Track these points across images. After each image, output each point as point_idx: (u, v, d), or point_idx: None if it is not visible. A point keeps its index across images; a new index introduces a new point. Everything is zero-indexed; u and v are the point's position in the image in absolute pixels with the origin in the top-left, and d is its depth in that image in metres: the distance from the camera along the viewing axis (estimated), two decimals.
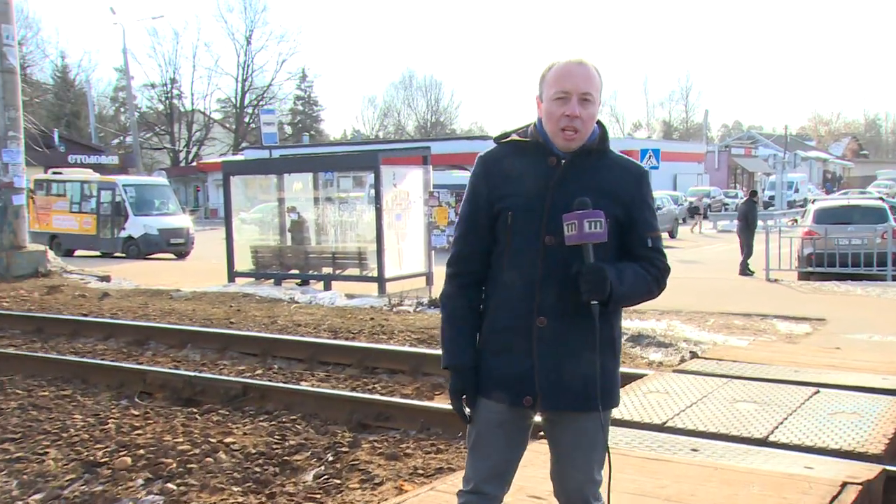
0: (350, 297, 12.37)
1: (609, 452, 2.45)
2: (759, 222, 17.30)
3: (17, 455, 5.37)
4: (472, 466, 2.52)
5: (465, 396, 2.49)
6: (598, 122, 2.48)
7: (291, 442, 5.42)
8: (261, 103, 60.61)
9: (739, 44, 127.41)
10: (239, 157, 43.16)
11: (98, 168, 32.48)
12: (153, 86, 61.52)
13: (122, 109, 61.00)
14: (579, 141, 2.40)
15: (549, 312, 2.37)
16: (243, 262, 15.37)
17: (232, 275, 15.07)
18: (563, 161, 2.41)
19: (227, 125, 65.01)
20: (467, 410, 2.51)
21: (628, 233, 2.46)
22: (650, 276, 2.45)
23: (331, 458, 5.07)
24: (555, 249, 2.36)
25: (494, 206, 2.44)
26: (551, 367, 2.38)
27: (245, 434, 5.63)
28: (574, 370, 2.38)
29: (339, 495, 4.50)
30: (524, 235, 2.40)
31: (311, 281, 14.81)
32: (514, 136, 2.51)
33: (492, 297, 2.49)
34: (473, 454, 2.52)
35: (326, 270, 14.77)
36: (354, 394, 6.45)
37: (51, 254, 17.25)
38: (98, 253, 24.17)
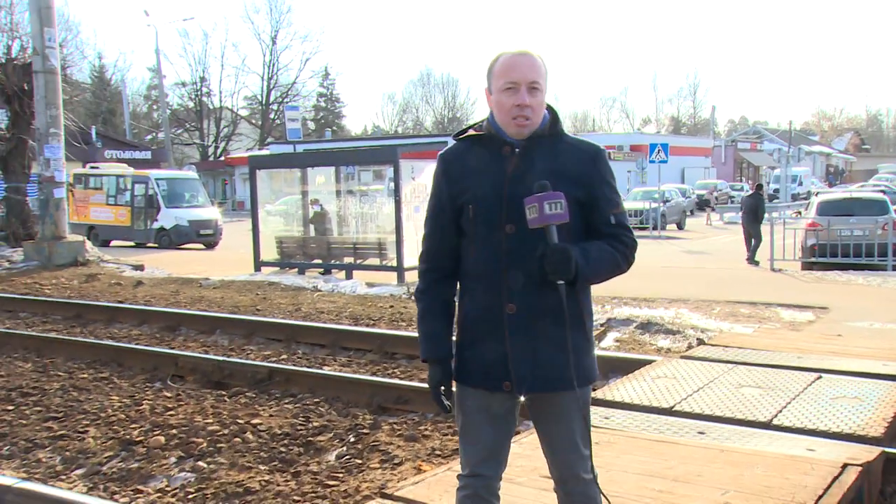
0: (370, 285, 12.38)
1: (589, 427, 2.45)
2: (765, 215, 17.24)
3: (59, 433, 5.44)
4: (464, 452, 2.51)
5: (443, 388, 2.48)
6: (549, 108, 2.43)
7: (315, 423, 5.43)
8: (285, 100, 60.70)
9: (746, 42, 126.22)
10: (265, 152, 43.31)
11: (132, 163, 32.66)
12: (184, 84, 61.86)
13: (154, 107, 61.40)
14: (531, 128, 2.37)
15: (517, 299, 2.34)
16: (269, 252, 15.40)
17: (258, 264, 15.11)
18: (517, 150, 2.38)
19: (254, 121, 65.20)
20: (447, 402, 2.51)
21: (591, 212, 2.40)
22: (617, 251, 2.40)
23: (352, 439, 5.09)
24: (517, 237, 2.32)
25: (456, 200, 2.42)
26: (524, 351, 2.35)
27: (271, 416, 5.65)
28: (547, 352, 2.35)
29: (360, 474, 4.51)
30: (486, 226, 2.37)
31: (333, 270, 14.84)
32: (471, 132, 2.47)
33: (464, 288, 2.48)
34: (464, 440, 2.51)
35: (348, 260, 14.80)
36: (375, 378, 6.45)
37: (89, 244, 17.36)
38: (132, 243, 24.36)
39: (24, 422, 5.71)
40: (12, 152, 18.56)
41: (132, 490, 4.47)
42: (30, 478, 4.53)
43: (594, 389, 5.82)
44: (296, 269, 14.93)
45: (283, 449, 4.97)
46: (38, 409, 6.03)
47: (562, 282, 2.27)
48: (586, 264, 2.29)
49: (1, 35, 19.18)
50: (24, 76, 17.52)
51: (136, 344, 8.28)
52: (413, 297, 2.59)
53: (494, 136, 2.40)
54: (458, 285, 2.51)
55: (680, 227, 29.03)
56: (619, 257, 2.40)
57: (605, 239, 2.39)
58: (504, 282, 2.34)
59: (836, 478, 3.63)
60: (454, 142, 2.51)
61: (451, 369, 2.48)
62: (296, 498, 4.21)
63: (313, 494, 4.25)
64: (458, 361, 2.47)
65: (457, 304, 2.52)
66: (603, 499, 2.52)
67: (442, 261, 2.49)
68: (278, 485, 4.40)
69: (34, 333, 8.95)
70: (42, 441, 5.29)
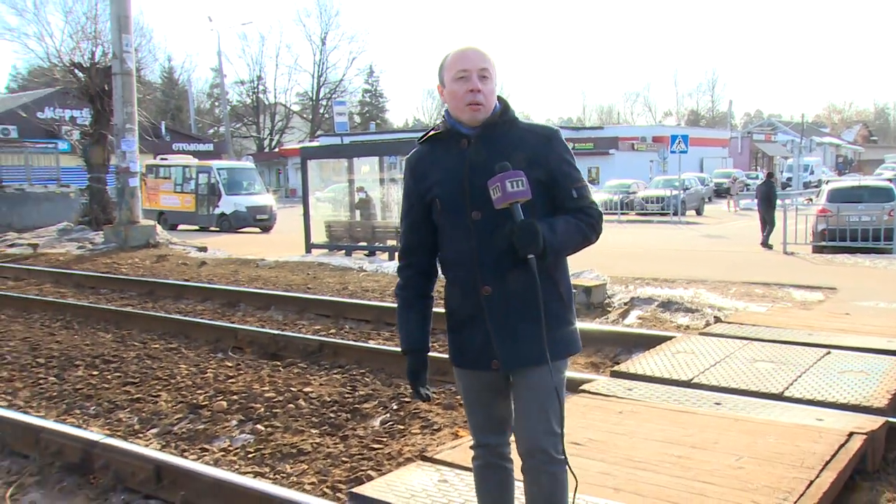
0: None
1: (562, 400, 2.32)
2: (778, 201, 16.95)
3: (136, 396, 5.55)
4: (470, 425, 2.49)
5: (418, 378, 2.43)
6: (499, 98, 2.35)
7: (361, 392, 5.46)
8: (333, 96, 60.87)
9: (761, 40, 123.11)
10: (314, 144, 43.47)
11: (196, 154, 33.09)
12: (242, 82, 62.56)
13: (216, 104, 61.90)
14: (484, 113, 2.28)
15: (490, 281, 2.27)
16: (318, 236, 15.50)
17: (309, 246, 15.21)
18: (473, 139, 2.30)
19: (305, 116, 65.50)
20: (425, 391, 2.45)
21: (553, 191, 2.31)
22: (582, 223, 2.30)
23: (395, 407, 5.11)
24: (483, 222, 2.25)
25: (424, 198, 2.36)
26: (504, 330, 2.28)
27: (321, 384, 5.70)
28: (523, 329, 2.27)
29: (402, 438, 4.54)
30: (454, 216, 2.30)
31: (377, 252, 14.90)
32: (432, 132, 2.39)
33: (446, 279, 2.42)
34: (468, 415, 2.49)
35: (391, 243, 14.81)
36: None
37: (159, 228, 17.63)
38: (196, 227, 24.72)
39: (106, 385, 5.84)
40: (94, 146, 18.99)
41: (199, 448, 4.54)
42: (113, 434, 4.61)
43: (616, 362, 5.82)
44: (343, 251, 15.02)
45: (332, 415, 5.01)
46: (118, 374, 6.15)
47: (532, 256, 2.18)
48: (553, 237, 2.21)
49: (86, 42, 19.57)
50: (105, 78, 17.88)
51: (201, 318, 8.37)
52: (396, 292, 2.49)
53: (451, 130, 2.33)
54: (443, 276, 2.45)
55: (699, 212, 28.55)
56: (586, 228, 2.31)
57: (571, 213, 2.31)
58: (476, 267, 2.28)
59: (842, 445, 3.60)
60: (418, 146, 2.44)
61: (426, 360, 2.44)
62: (344, 459, 4.25)
63: (360, 456, 4.28)
64: (450, 346, 2.43)
65: (445, 292, 2.45)
66: (571, 478, 2.34)
67: (416, 256, 2.44)
68: (328, 447, 4.45)
69: (113, 308, 9.10)
70: (122, 403, 5.41)
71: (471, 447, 2.50)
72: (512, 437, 2.47)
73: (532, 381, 2.31)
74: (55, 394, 5.70)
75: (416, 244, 2.43)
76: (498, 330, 2.28)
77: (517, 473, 2.49)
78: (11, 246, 17.12)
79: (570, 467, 2.34)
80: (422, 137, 2.41)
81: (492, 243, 2.25)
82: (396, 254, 2.47)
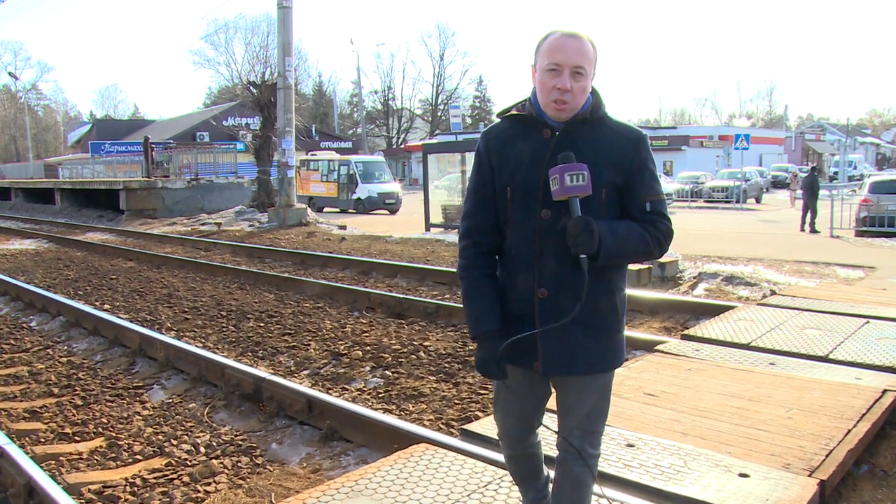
0: None
1: (606, 406, 1.90)
2: (825, 192, 15.98)
3: (292, 344, 5.74)
4: (497, 418, 2.03)
5: (498, 362, 1.82)
6: (593, 91, 1.81)
7: (470, 347, 5.42)
8: (449, 102, 60.94)
9: (813, 52, 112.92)
10: (433, 141, 43.75)
11: (339, 150, 34.10)
12: (376, 92, 63.70)
13: (355, 109, 63.45)
14: (570, 112, 1.76)
15: (548, 284, 1.78)
16: (436, 217, 15.50)
17: (428, 226, 15.25)
18: (558, 133, 1.78)
19: (426, 118, 65.97)
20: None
21: (627, 198, 1.79)
22: (648, 233, 1.78)
23: None
24: (551, 222, 1.75)
25: (497, 179, 1.84)
26: (554, 335, 1.79)
27: (438, 340, 5.71)
28: (575, 337, 1.79)
29: None
30: (522, 210, 1.79)
31: None
32: (514, 111, 1.87)
33: (502, 269, 1.90)
34: (496, 409, 2.02)
35: None
36: None
37: (309, 210, 18.17)
38: (338, 209, 25.41)
39: (269, 335, 6.08)
40: (262, 146, 20.03)
41: (340, 388, 4.67)
42: (275, 373, 4.81)
43: (686, 327, 5.56)
44: (456, 230, 15.03)
45: (446, 365, 5.02)
46: (278, 326, 6.38)
47: (584, 256, 1.70)
48: (611, 239, 1.71)
49: (259, 65, 20.76)
50: (271, 92, 18.84)
51: (342, 283, 8.49)
52: (460, 275, 1.89)
53: (535, 117, 1.81)
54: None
55: (758, 200, 27.31)
56: (650, 239, 1.78)
57: (639, 223, 1.80)
58: (536, 266, 1.79)
59: (877, 400, 3.48)
60: (498, 119, 1.92)
61: (502, 342, 1.81)
62: (456, 401, 4.27)
63: (469, 399, 4.29)
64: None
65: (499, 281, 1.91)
66: (594, 483, 1.92)
67: (484, 236, 1.87)
68: (443, 391, 4.47)
69: (275, 273, 9.38)
70: (281, 349, 5.62)
71: (497, 435, 2.05)
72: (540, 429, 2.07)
73: (580, 386, 1.87)
74: (234, 339, 6.01)
75: (482, 224, 1.87)
76: (547, 335, 1.80)
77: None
78: (203, 224, 18.28)
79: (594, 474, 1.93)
80: (503, 112, 1.89)
81: (555, 246, 1.76)
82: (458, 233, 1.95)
